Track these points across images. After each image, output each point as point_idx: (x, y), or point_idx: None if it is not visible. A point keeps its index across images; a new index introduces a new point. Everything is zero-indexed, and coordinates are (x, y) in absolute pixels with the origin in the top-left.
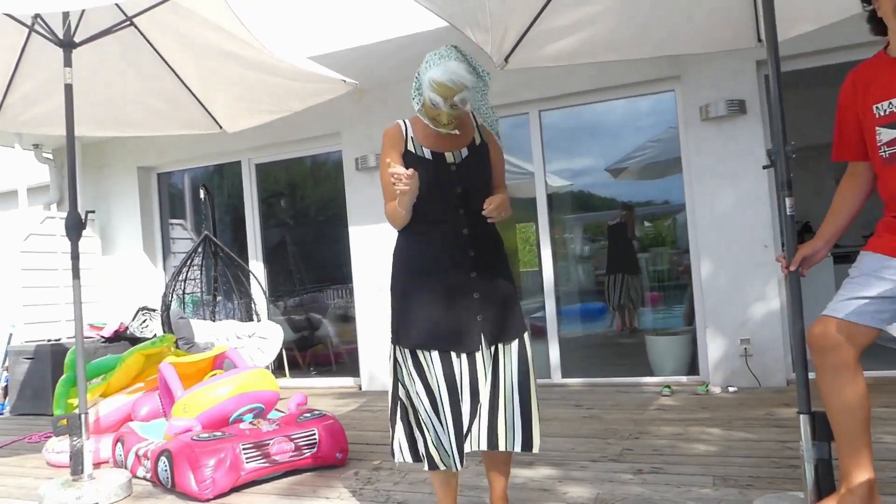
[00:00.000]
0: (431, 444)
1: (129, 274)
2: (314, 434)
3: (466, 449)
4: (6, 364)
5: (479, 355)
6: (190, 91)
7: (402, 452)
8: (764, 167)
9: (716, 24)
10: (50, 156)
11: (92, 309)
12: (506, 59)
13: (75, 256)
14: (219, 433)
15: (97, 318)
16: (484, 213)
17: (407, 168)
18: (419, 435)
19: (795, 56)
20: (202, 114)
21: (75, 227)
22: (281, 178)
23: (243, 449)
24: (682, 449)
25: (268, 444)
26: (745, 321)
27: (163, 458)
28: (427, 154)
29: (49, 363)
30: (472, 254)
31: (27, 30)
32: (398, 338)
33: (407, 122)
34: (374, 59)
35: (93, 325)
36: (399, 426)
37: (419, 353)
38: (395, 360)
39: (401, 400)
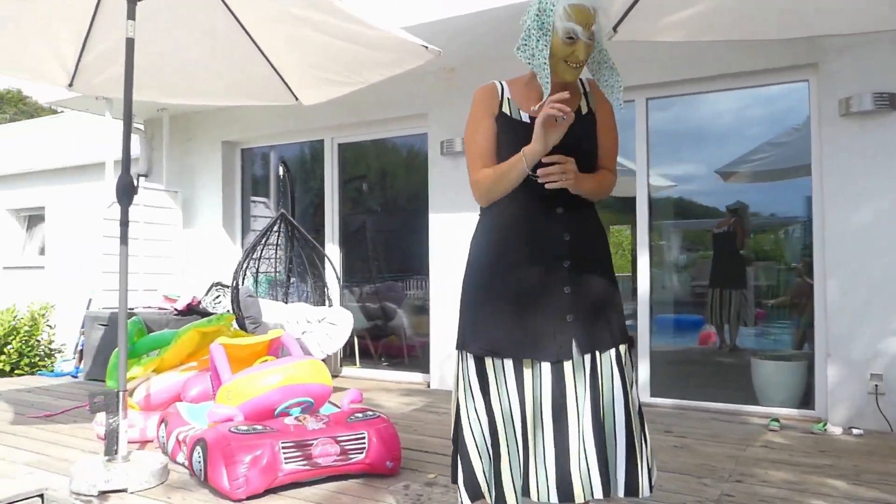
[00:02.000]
0: (483, 474)
1: (207, 249)
2: (364, 438)
3: (537, 496)
4: (84, 329)
5: (567, 367)
6: (265, 57)
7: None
8: None
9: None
10: (141, 126)
11: (170, 281)
12: (614, 29)
13: (124, 223)
14: (260, 426)
15: (174, 291)
16: (543, 170)
17: (501, 135)
18: (462, 460)
19: None
20: (277, 83)
21: (126, 191)
22: (365, 161)
23: (283, 447)
24: (800, 503)
25: (311, 445)
26: (879, 353)
27: (198, 448)
28: (524, 118)
29: None
30: (568, 238)
31: None
32: (463, 340)
33: (503, 83)
34: (466, 33)
35: (167, 297)
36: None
37: (487, 361)
38: (458, 369)
39: (460, 419)
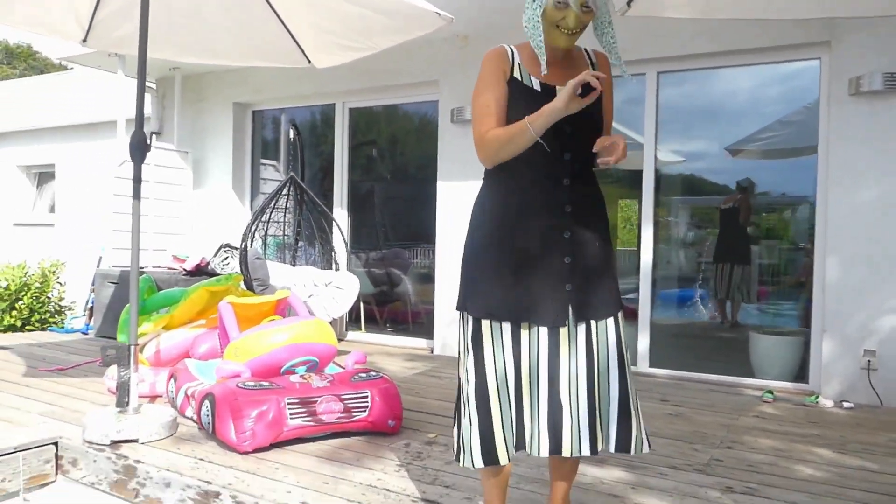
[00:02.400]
0: (476, 433)
1: (217, 210)
2: (367, 397)
3: (529, 450)
4: (94, 286)
5: (563, 332)
6: (280, 19)
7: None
8: None
9: None
10: (153, 85)
11: (179, 241)
12: (628, 4)
13: (137, 179)
14: (266, 383)
15: (183, 251)
16: (601, 159)
17: (511, 99)
18: (478, 419)
19: None
20: (290, 45)
21: (139, 148)
22: (375, 127)
23: (288, 403)
24: (784, 469)
25: (315, 402)
26: (873, 331)
27: (206, 402)
28: (536, 85)
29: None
30: (570, 209)
31: None
32: (464, 302)
33: (513, 48)
34: (480, 2)
35: (176, 257)
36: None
37: (484, 323)
38: (460, 331)
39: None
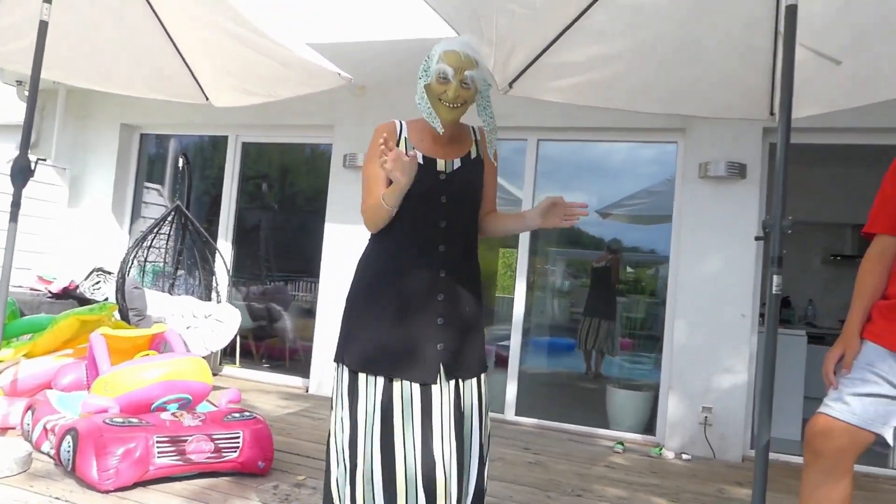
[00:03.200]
0: (336, 483)
1: (92, 231)
2: (238, 437)
3: (402, 498)
4: None
5: (435, 389)
6: (179, 53)
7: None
8: (756, 238)
9: (729, 91)
10: None
11: (46, 260)
12: (510, 85)
13: (16, 203)
14: (135, 419)
15: (49, 271)
16: (567, 215)
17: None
18: (326, 469)
19: (803, 130)
20: (189, 81)
21: (21, 173)
22: (266, 161)
23: (157, 441)
24: None
25: (185, 441)
26: (710, 389)
27: (68, 438)
28: (419, 159)
29: None
30: (443, 274)
31: None
32: (342, 354)
33: (403, 122)
34: (379, 57)
35: (41, 278)
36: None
37: (361, 376)
38: (336, 382)
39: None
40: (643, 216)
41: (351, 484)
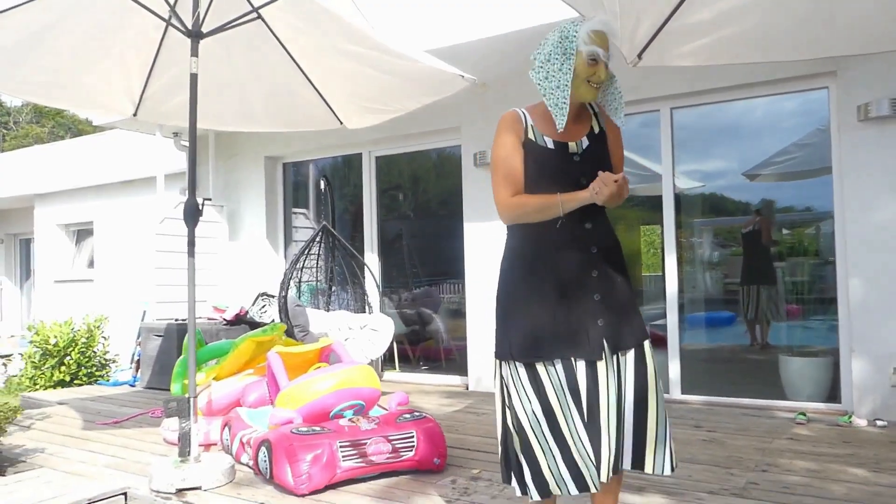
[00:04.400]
0: (547, 468)
1: (252, 260)
2: (412, 437)
3: (603, 477)
4: (139, 340)
5: (601, 365)
6: (312, 85)
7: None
8: None
9: (886, 18)
10: (187, 144)
11: (216, 292)
12: (639, 56)
13: (191, 242)
14: (318, 428)
15: (221, 301)
16: (603, 193)
17: (526, 159)
18: (528, 462)
19: None
20: (324, 109)
21: (192, 214)
22: (400, 172)
23: (340, 446)
24: (819, 490)
25: (365, 444)
26: None
27: (263, 448)
28: (549, 143)
29: (175, 341)
30: (595, 251)
31: (164, 23)
32: (509, 351)
33: (524, 110)
34: (496, 52)
35: (216, 308)
36: (513, 455)
37: (537, 366)
38: (503, 378)
39: (510, 426)
40: (795, 172)
41: (569, 466)
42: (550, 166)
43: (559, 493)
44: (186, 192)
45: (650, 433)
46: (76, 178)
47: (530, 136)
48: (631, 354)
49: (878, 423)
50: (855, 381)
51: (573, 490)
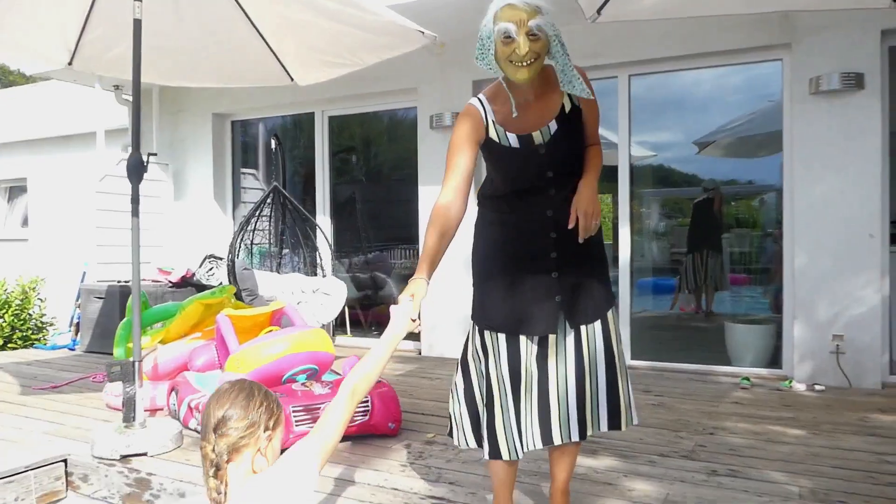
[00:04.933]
0: (502, 428)
1: (199, 221)
2: (367, 401)
3: (529, 445)
4: (79, 302)
5: (552, 339)
6: (262, 38)
7: (463, 436)
8: None
9: None
10: (129, 98)
11: (161, 253)
12: (598, 11)
13: (135, 199)
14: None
15: (166, 263)
16: (581, 235)
17: (492, 160)
18: (486, 418)
19: None
20: (274, 64)
21: (136, 169)
22: (354, 133)
23: (293, 411)
24: (762, 451)
25: (319, 408)
26: (840, 315)
27: None
28: (513, 141)
29: (118, 304)
30: (555, 236)
31: None
32: (474, 314)
33: (483, 100)
34: (456, 10)
35: (161, 269)
36: (460, 406)
37: (488, 334)
38: (469, 333)
39: (468, 376)
40: (743, 143)
41: (489, 429)
42: (515, 166)
43: (505, 457)
44: (129, 147)
45: (622, 393)
46: (7, 132)
47: (492, 135)
48: (597, 325)
49: (817, 387)
50: (796, 346)
51: (485, 456)
